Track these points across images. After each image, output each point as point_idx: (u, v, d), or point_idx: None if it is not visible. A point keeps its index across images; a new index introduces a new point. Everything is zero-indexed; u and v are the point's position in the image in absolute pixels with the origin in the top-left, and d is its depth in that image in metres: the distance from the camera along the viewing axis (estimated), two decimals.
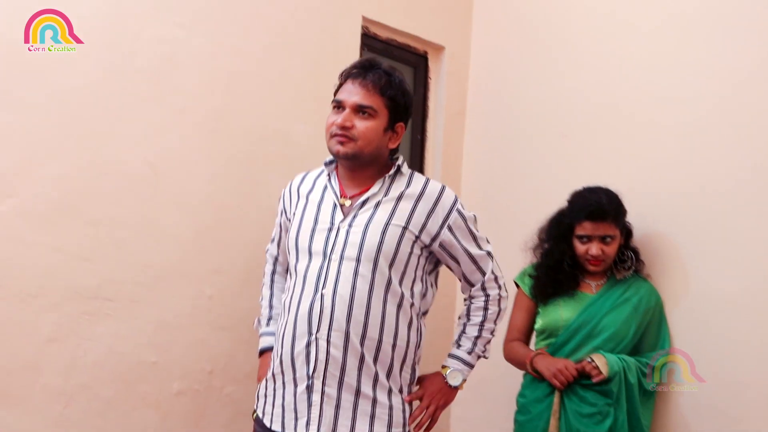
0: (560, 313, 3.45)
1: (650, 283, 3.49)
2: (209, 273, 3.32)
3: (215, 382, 3.33)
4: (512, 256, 3.71)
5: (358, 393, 2.64)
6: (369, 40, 4.07)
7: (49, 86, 2.94)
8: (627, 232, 3.49)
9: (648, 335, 3.45)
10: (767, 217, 3.27)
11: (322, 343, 2.61)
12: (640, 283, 3.48)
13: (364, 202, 2.73)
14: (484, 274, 2.88)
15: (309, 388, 2.63)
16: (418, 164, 4.33)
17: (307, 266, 2.69)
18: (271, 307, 2.99)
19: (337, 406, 2.62)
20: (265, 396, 2.75)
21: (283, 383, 2.68)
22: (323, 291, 2.63)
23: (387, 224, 2.70)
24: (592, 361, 3.29)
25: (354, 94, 2.72)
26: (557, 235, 3.50)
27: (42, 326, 2.90)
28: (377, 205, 2.73)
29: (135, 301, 3.11)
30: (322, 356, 2.61)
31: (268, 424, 2.69)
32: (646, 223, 3.54)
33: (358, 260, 2.66)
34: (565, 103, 3.99)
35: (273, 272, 3.06)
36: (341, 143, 2.70)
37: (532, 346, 3.60)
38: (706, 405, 3.33)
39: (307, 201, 2.81)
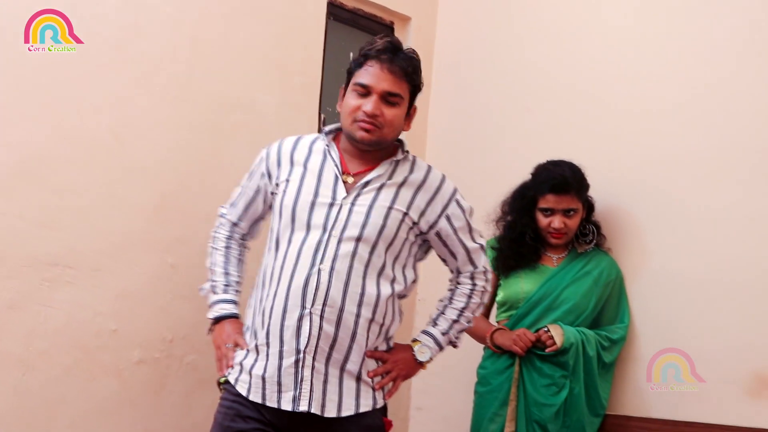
0: (521, 285, 3.48)
1: (611, 257, 3.53)
2: (171, 242, 3.30)
3: (176, 350, 3.32)
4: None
5: (343, 369, 2.64)
6: (335, 9, 4.05)
7: (8, 52, 2.90)
8: (589, 206, 3.52)
9: (608, 308, 3.49)
10: (727, 194, 3.31)
11: (316, 318, 2.58)
12: (600, 256, 3.51)
13: (367, 183, 2.70)
14: (475, 266, 2.90)
15: (298, 363, 2.59)
16: None
17: (304, 239, 2.63)
18: (227, 273, 2.85)
19: (325, 382, 2.62)
20: (241, 365, 2.68)
21: (267, 355, 2.63)
22: (321, 266, 2.60)
23: (390, 208, 2.69)
24: (548, 330, 3.32)
25: (382, 80, 2.65)
26: (520, 207, 3.51)
27: (1, 293, 2.87)
28: (381, 187, 2.70)
29: (96, 269, 3.08)
30: (315, 331, 2.58)
31: (244, 393, 2.64)
32: (607, 198, 3.57)
33: (358, 240, 2.64)
34: (529, 78, 4.00)
35: (229, 238, 2.90)
36: (367, 131, 2.66)
37: (492, 318, 3.63)
38: (678, 400, 3.37)
39: (305, 169, 2.72)
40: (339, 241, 2.62)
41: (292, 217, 2.66)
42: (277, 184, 2.76)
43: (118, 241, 3.16)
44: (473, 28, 4.29)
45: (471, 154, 4.18)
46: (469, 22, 4.32)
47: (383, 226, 2.68)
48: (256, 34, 3.62)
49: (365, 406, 2.67)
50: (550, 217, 3.44)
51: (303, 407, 2.59)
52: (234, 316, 2.80)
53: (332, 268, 2.61)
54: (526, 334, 3.35)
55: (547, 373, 3.33)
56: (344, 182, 2.70)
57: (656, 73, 3.56)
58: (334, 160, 2.71)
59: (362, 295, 2.64)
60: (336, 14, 4.07)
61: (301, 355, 2.59)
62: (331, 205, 2.65)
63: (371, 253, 2.66)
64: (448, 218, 2.82)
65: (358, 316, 2.64)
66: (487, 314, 3.59)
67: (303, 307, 2.59)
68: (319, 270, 2.60)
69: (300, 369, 2.60)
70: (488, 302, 3.54)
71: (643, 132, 3.57)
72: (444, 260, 2.93)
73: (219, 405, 2.73)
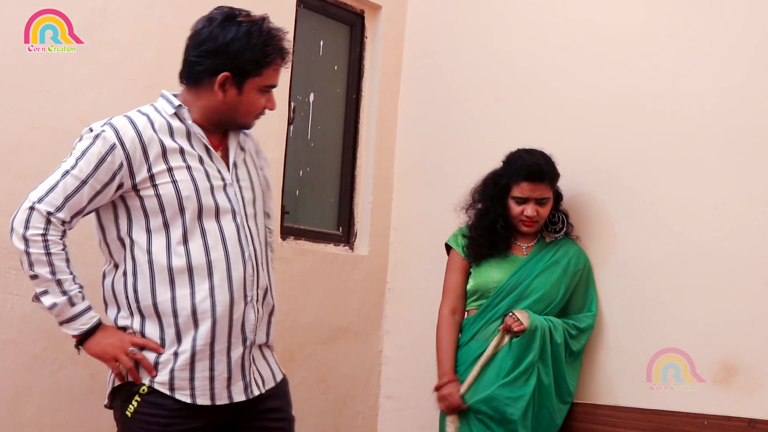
0: (492, 274, 3.48)
1: (579, 246, 3.55)
2: None
3: None
4: (445, 217, 3.75)
5: (266, 343, 2.68)
6: None
7: None
8: (557, 195, 3.53)
9: (576, 297, 3.50)
10: (694, 182, 3.34)
11: (255, 305, 2.57)
12: (569, 245, 3.52)
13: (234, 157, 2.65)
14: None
15: (245, 352, 2.56)
16: (352, 125, 4.32)
17: (220, 227, 2.52)
18: (74, 278, 2.52)
19: (261, 359, 2.65)
20: (172, 372, 2.49)
21: (212, 353, 2.50)
22: (248, 252, 2.55)
23: (257, 177, 2.72)
24: (513, 314, 3.32)
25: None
26: (492, 195, 3.51)
27: None
28: (244, 158, 2.68)
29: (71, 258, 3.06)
30: (254, 318, 2.57)
31: (188, 401, 2.49)
32: (575, 186, 3.58)
33: (255, 217, 2.64)
34: (499, 67, 4.01)
35: (62, 238, 2.50)
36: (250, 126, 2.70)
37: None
38: (631, 367, 3.40)
39: (184, 152, 2.54)
40: (247, 222, 2.58)
41: (199, 204, 2.51)
42: (152, 176, 2.50)
43: (85, 229, 3.12)
44: (443, 18, 4.29)
45: (441, 143, 4.18)
46: (439, 12, 4.32)
47: (263, 196, 2.72)
48: None
49: (280, 371, 2.74)
50: (522, 205, 3.45)
51: (255, 392, 2.58)
52: (101, 323, 2.56)
53: (255, 252, 2.59)
54: (452, 395, 3.37)
55: (513, 365, 3.33)
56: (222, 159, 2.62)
57: (624, 63, 3.57)
58: (202, 139, 2.58)
59: (267, 270, 2.67)
60: (306, 2, 4.06)
61: (248, 343, 2.56)
62: (225, 186, 2.57)
63: (263, 226, 2.70)
64: (264, 166, 2.84)
65: (272, 289, 2.68)
66: (462, 303, 3.57)
67: (245, 297, 2.54)
68: (248, 257, 2.55)
69: (247, 357, 2.57)
70: (459, 287, 3.56)
71: (611, 121, 3.59)
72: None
73: (144, 425, 2.51)
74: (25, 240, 2.44)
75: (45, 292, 2.47)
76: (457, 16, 4.22)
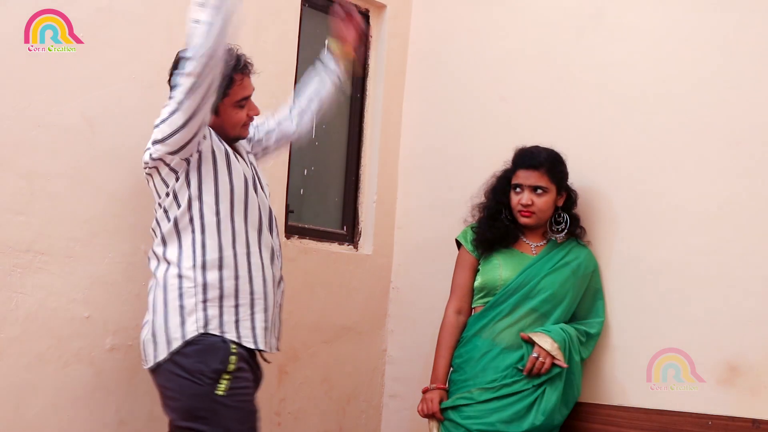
0: (499, 272, 3.48)
1: (589, 250, 3.54)
2: (145, 228, 3.26)
3: None
4: (450, 217, 3.75)
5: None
6: None
7: None
8: (568, 197, 3.53)
9: (583, 302, 3.49)
10: (700, 183, 3.33)
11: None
12: (580, 248, 3.52)
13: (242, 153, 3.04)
14: None
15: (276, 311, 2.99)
16: (357, 124, 4.32)
17: (260, 214, 2.94)
18: None
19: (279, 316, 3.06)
20: (237, 321, 2.82)
21: (265, 308, 2.89)
22: (275, 232, 2.99)
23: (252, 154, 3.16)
24: (538, 356, 3.31)
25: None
26: (497, 188, 3.55)
27: None
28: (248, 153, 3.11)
29: (69, 256, 3.07)
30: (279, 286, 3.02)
31: (252, 346, 2.85)
32: (582, 186, 3.57)
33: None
34: (504, 66, 4.00)
35: None
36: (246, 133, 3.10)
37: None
38: (635, 367, 3.40)
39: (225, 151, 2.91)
40: (266, 198, 3.03)
41: (246, 193, 2.89)
42: (214, 156, 2.87)
43: (90, 228, 3.14)
44: (448, 17, 4.29)
45: (446, 142, 4.18)
46: (444, 11, 4.31)
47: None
48: None
49: None
50: (519, 194, 3.46)
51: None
52: None
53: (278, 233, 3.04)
54: (433, 403, 3.45)
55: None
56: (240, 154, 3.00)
57: (633, 62, 3.57)
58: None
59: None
60: (311, 1, 4.06)
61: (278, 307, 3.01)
62: (254, 179, 2.97)
63: None
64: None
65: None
66: (469, 300, 3.59)
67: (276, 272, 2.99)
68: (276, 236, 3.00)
69: (275, 314, 2.99)
70: (466, 284, 3.58)
71: (615, 121, 3.58)
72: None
73: (238, 388, 2.79)
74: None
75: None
76: (462, 16, 4.22)
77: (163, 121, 2.78)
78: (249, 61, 2.95)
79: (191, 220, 2.84)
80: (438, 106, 4.26)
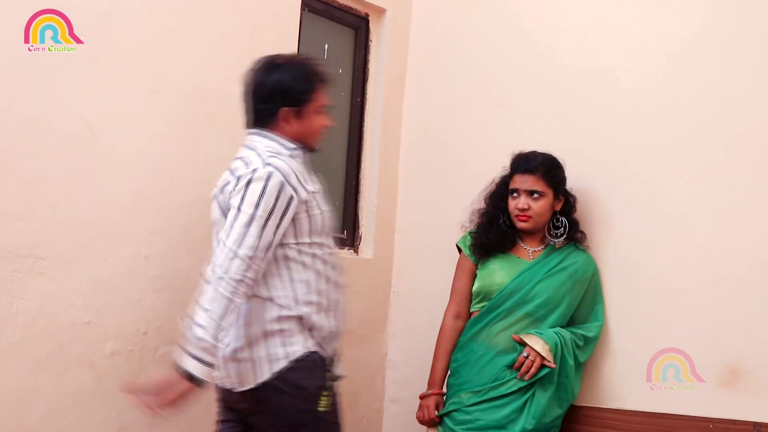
0: (495, 277, 3.49)
1: (588, 254, 3.54)
2: (146, 234, 3.29)
3: (150, 342, 3.31)
4: (450, 220, 3.75)
5: None
6: (310, 0, 4.04)
7: None
8: (567, 201, 3.53)
9: (582, 306, 3.50)
10: (699, 185, 3.34)
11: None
12: (578, 253, 3.52)
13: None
14: None
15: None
16: (357, 128, 4.32)
17: (333, 253, 3.05)
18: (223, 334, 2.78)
19: None
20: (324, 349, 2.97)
21: (335, 341, 3.04)
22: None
23: None
24: (527, 350, 3.32)
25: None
26: (495, 193, 3.57)
27: None
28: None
29: (69, 261, 3.07)
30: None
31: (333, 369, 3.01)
32: (579, 189, 3.58)
33: None
34: (505, 70, 4.01)
35: (245, 295, 2.80)
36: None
37: None
38: (636, 370, 3.40)
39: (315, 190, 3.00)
40: None
41: (327, 232, 3.01)
42: (307, 209, 2.92)
43: (91, 233, 3.14)
44: (448, 21, 4.29)
45: (446, 147, 4.18)
46: (444, 15, 4.31)
47: None
48: (231, 24, 3.60)
49: None
50: (516, 198, 3.47)
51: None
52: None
53: None
54: (429, 407, 3.52)
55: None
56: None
57: (630, 65, 3.58)
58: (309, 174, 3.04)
59: None
60: (311, 6, 4.06)
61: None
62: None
63: None
64: None
65: None
66: (468, 305, 3.60)
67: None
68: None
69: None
70: (465, 289, 3.60)
71: (615, 124, 3.59)
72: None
73: (334, 403, 2.96)
74: (226, 279, 2.72)
75: (201, 326, 2.68)
76: (462, 20, 4.22)
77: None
78: (328, 73, 3.08)
79: None
80: (438, 110, 4.26)
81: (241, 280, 2.72)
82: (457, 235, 3.66)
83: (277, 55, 3.01)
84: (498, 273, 3.49)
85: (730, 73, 3.32)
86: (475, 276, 3.57)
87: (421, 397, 3.57)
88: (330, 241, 3.02)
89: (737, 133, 3.27)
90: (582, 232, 3.55)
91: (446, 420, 3.44)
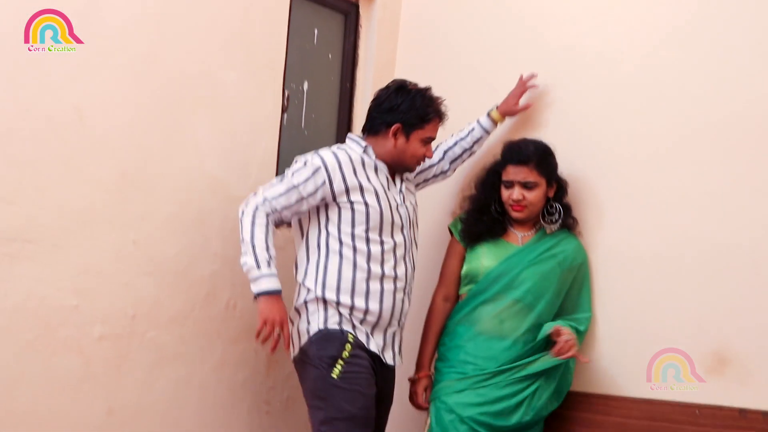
0: (482, 260, 3.50)
1: (579, 242, 3.54)
2: (133, 218, 3.28)
3: (138, 326, 3.30)
4: (439, 206, 3.76)
5: (401, 326, 3.45)
6: None
7: None
8: (559, 187, 3.54)
9: (569, 295, 3.50)
10: (688, 172, 3.35)
11: (405, 300, 3.41)
12: (569, 240, 3.52)
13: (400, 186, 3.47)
14: None
15: (393, 331, 3.40)
16: (346, 114, 4.31)
17: (402, 239, 3.37)
18: (268, 248, 3.19)
19: (399, 336, 3.47)
20: (355, 328, 3.28)
21: (377, 326, 3.33)
22: (406, 259, 3.39)
23: (414, 205, 3.54)
24: (567, 335, 3.32)
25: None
26: (487, 182, 3.57)
27: None
28: (407, 189, 3.52)
29: (57, 245, 3.06)
30: (401, 308, 3.39)
31: (367, 346, 3.30)
32: (568, 176, 3.58)
33: (411, 229, 3.47)
34: (494, 56, 4.00)
35: (267, 217, 3.24)
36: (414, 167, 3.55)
37: None
38: (624, 357, 3.42)
39: (370, 180, 3.34)
40: (410, 235, 3.48)
41: (388, 219, 3.34)
42: (347, 191, 3.31)
43: (79, 217, 3.13)
44: (438, 7, 4.28)
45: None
46: (434, 1, 4.30)
47: (415, 218, 3.55)
48: (221, 9, 3.59)
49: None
50: (510, 189, 3.47)
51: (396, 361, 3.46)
52: (279, 292, 3.20)
53: (411, 260, 3.48)
54: (417, 396, 3.58)
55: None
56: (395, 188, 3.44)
57: (620, 49, 3.58)
58: (384, 171, 3.41)
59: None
60: None
61: (395, 326, 3.41)
62: (398, 207, 3.39)
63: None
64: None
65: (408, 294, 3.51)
66: (456, 288, 3.62)
67: (401, 292, 3.40)
68: (405, 261, 3.42)
69: (393, 333, 3.41)
70: (453, 272, 3.63)
71: (604, 111, 3.60)
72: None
73: (350, 371, 3.22)
74: (242, 212, 3.24)
75: (244, 253, 3.18)
76: (452, 6, 4.21)
77: None
78: (445, 110, 3.49)
79: None
80: None
81: (257, 208, 3.22)
82: (448, 222, 3.66)
83: (409, 82, 3.45)
84: (485, 257, 3.50)
85: (720, 61, 3.33)
86: (464, 259, 3.58)
87: (410, 380, 3.58)
88: (385, 237, 3.32)
89: (727, 121, 3.27)
90: (574, 218, 3.56)
91: (444, 398, 3.42)
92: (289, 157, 4.05)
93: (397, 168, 3.44)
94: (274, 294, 3.18)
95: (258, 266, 3.16)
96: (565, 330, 3.31)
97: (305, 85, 4.15)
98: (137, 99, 3.29)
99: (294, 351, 3.34)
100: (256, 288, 3.17)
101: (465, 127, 3.76)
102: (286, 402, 3.87)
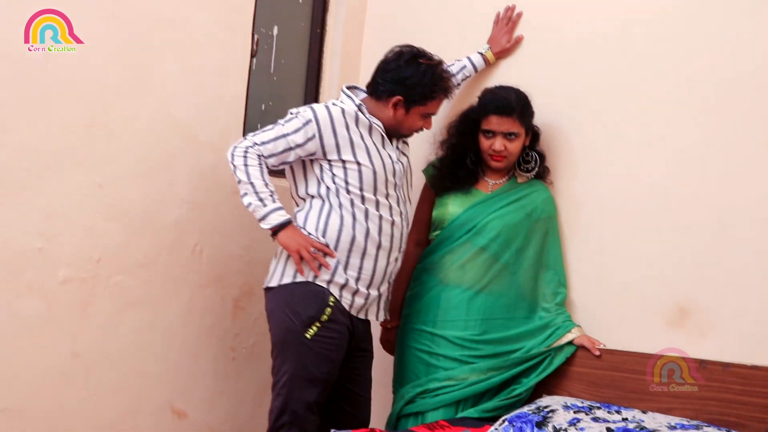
0: (448, 207, 3.50)
1: (550, 194, 3.54)
2: (99, 161, 3.25)
3: (103, 270, 3.29)
4: (413, 155, 3.75)
5: (389, 283, 3.46)
6: None
7: None
8: (534, 135, 3.53)
9: (545, 248, 3.50)
10: (655, 125, 3.35)
11: (399, 258, 3.43)
12: (540, 190, 3.52)
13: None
14: None
15: (382, 288, 3.40)
16: (316, 60, 4.28)
17: (396, 197, 3.37)
18: (267, 184, 3.22)
19: (387, 293, 3.48)
20: (341, 291, 3.28)
21: (370, 284, 3.34)
22: (401, 217, 3.39)
23: (408, 163, 3.53)
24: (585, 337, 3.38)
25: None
26: (463, 130, 3.54)
27: None
28: (401, 149, 3.49)
29: (22, 188, 3.03)
30: (393, 267, 3.40)
31: (348, 310, 3.31)
32: (543, 127, 3.58)
33: (406, 191, 3.48)
34: (466, 11, 3.98)
35: (259, 157, 3.23)
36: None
37: None
38: (585, 307, 3.46)
39: (363, 138, 3.32)
40: (402, 193, 3.46)
41: (385, 178, 3.33)
42: (337, 146, 3.28)
43: (44, 159, 3.10)
44: None
45: None
46: None
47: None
48: None
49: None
50: (491, 139, 3.45)
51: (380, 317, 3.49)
52: (291, 221, 3.26)
53: (405, 218, 3.45)
54: (391, 343, 3.68)
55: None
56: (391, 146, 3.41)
57: (593, 3, 3.56)
58: (379, 130, 3.36)
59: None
60: None
61: (383, 288, 3.41)
62: (393, 163, 3.37)
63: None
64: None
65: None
66: (426, 232, 3.65)
67: (396, 249, 3.41)
68: (401, 221, 3.40)
69: (378, 296, 3.40)
70: (424, 217, 3.66)
71: (570, 61, 3.60)
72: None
73: (325, 336, 3.25)
74: (232, 156, 3.23)
75: (245, 194, 3.20)
76: None
77: None
78: (455, 87, 3.49)
79: None
80: (398, 42, 4.19)
81: (247, 149, 3.22)
82: (418, 172, 3.67)
83: (422, 53, 3.35)
84: (452, 203, 3.50)
85: (695, 15, 3.31)
86: (434, 204, 3.59)
87: (382, 326, 3.63)
88: (380, 196, 3.31)
89: (696, 75, 3.27)
90: (547, 168, 3.56)
91: (409, 348, 3.49)
92: (257, 102, 4.03)
93: (392, 133, 3.41)
94: (288, 224, 3.22)
95: (263, 203, 3.19)
96: (595, 345, 3.36)
97: (275, 30, 4.11)
98: (105, 40, 3.25)
99: (270, 281, 3.35)
100: (267, 224, 3.21)
101: (454, 62, 3.75)
102: (251, 348, 3.88)
